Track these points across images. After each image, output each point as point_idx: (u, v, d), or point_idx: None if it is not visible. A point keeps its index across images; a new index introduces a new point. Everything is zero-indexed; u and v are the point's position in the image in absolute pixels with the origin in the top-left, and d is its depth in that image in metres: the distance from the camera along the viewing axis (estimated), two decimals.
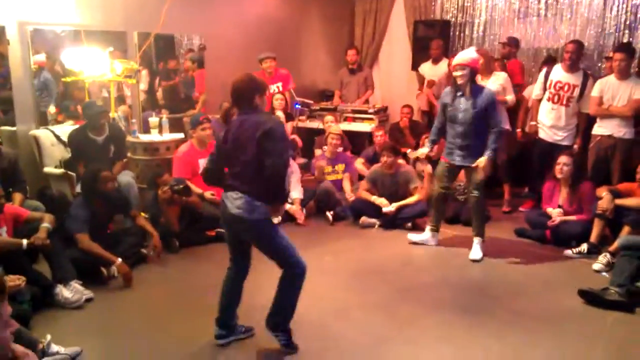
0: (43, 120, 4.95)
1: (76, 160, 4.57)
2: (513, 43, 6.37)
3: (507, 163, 5.51)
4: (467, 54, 4.19)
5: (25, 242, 3.36)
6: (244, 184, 2.74)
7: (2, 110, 4.74)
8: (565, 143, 5.10)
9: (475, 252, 4.31)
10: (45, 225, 3.51)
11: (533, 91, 5.40)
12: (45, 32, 4.91)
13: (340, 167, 5.60)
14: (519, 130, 5.61)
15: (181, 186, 4.41)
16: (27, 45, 4.73)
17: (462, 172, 4.47)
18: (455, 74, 4.15)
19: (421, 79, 6.93)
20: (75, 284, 3.50)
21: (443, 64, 6.47)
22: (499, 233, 4.85)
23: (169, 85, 6.21)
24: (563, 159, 4.57)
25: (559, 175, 4.58)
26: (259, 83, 2.86)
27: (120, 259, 3.79)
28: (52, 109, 5.08)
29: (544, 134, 5.24)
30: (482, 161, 4.10)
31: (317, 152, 6.09)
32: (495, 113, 4.19)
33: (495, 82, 5.25)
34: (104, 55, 5.00)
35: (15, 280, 3.10)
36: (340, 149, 5.73)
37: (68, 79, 5.01)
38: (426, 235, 4.62)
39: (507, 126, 5.47)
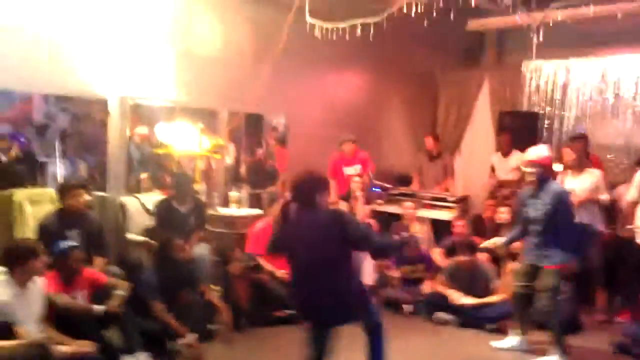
0: (132, 188, 5.18)
1: (159, 228, 4.69)
2: (580, 138, 6.06)
3: (602, 267, 5.07)
4: (538, 151, 4.09)
5: (97, 308, 3.40)
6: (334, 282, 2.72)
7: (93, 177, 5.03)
8: None
9: None
10: (120, 292, 3.56)
11: (628, 193, 5.02)
12: (143, 107, 5.25)
13: (420, 267, 5.36)
14: (607, 232, 5.22)
15: (252, 263, 4.38)
16: (126, 117, 5.04)
17: None
18: (524, 169, 4.05)
19: (492, 168, 6.81)
20: (141, 355, 3.47)
21: (513, 158, 6.44)
22: (593, 346, 4.36)
23: (253, 161, 6.40)
24: None
25: None
26: (319, 181, 2.88)
27: (194, 335, 3.74)
28: (143, 175, 5.34)
29: None
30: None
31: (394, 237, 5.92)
32: (566, 211, 4.00)
33: (588, 179, 4.97)
34: (195, 130, 5.23)
35: (84, 346, 3.11)
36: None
37: (160, 151, 5.26)
38: (512, 340, 4.22)
39: (601, 227, 5.10)
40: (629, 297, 5.02)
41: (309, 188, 2.82)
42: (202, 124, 5.40)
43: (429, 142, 7.02)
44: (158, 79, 5.24)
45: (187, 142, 5.19)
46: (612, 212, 5.29)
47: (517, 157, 6.56)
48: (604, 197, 5.02)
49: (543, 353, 4.09)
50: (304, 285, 2.76)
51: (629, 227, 4.95)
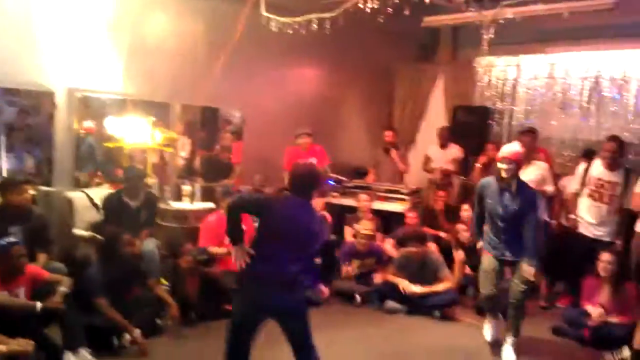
0: (81, 183, 5.09)
1: (107, 224, 4.61)
2: (529, 132, 6.27)
3: (545, 256, 5.23)
4: (513, 148, 4.12)
5: (39, 305, 3.33)
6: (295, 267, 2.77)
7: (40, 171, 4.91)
8: (606, 239, 4.83)
9: (509, 355, 4.00)
10: (62, 289, 3.50)
11: (571, 185, 5.20)
12: (92, 99, 5.15)
13: (369, 262, 5.38)
14: (554, 222, 5.40)
15: (204, 256, 4.37)
16: (74, 110, 4.95)
17: None
18: (500, 166, 4.01)
19: (427, 160, 7.04)
20: (84, 352, 3.42)
21: (451, 150, 6.78)
22: (534, 330, 4.52)
23: (208, 154, 6.35)
24: (606, 257, 4.34)
25: (602, 274, 4.33)
26: (320, 177, 3.01)
27: (137, 330, 3.71)
28: (88, 170, 5.25)
29: (585, 229, 4.99)
30: (530, 271, 3.91)
31: (347, 229, 5.99)
32: (537, 212, 4.07)
33: (535, 171, 5.12)
34: (146, 124, 5.16)
35: (23, 345, 3.05)
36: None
37: (110, 145, 5.17)
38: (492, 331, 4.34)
39: (546, 217, 5.27)
40: (571, 284, 5.23)
41: (311, 181, 2.90)
42: (154, 117, 5.34)
43: (389, 135, 7.12)
44: (107, 71, 5.15)
45: (138, 136, 5.13)
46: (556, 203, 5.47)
47: (455, 150, 6.78)
48: (549, 188, 5.18)
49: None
50: (268, 265, 2.75)
51: (571, 217, 5.13)
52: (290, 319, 2.83)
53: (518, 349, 4.03)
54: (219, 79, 5.67)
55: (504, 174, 3.98)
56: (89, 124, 5.16)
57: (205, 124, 6.32)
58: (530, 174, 5.17)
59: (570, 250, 5.20)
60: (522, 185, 4.05)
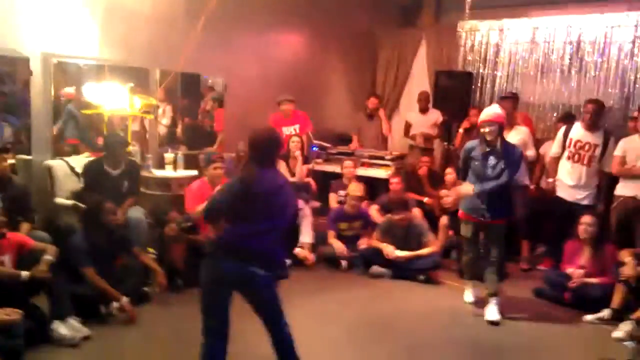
0: (61, 151, 4.98)
1: (88, 192, 4.54)
2: (510, 97, 6.31)
3: (526, 218, 5.34)
4: (492, 110, 4.15)
5: (24, 274, 3.30)
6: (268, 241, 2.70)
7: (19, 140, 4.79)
8: (585, 202, 4.92)
9: (492, 312, 4.11)
10: (48, 257, 3.46)
11: (551, 149, 5.27)
12: (69, 65, 5.00)
13: (357, 224, 5.43)
14: (532, 186, 5.50)
15: (189, 224, 4.35)
16: (50, 77, 4.80)
17: None
18: (483, 130, 4.05)
19: (407, 126, 7.15)
20: (73, 321, 3.42)
21: (432, 114, 6.94)
22: (516, 291, 4.65)
23: (190, 122, 6.26)
24: (586, 220, 4.42)
25: (582, 236, 4.42)
26: (278, 139, 2.81)
27: (125, 298, 3.70)
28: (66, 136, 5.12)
29: (564, 193, 5.07)
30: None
31: (332, 196, 6.00)
32: (522, 171, 4.15)
33: (516, 136, 5.17)
34: (125, 90, 5.04)
35: (10, 314, 3.03)
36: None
37: (88, 112, 5.05)
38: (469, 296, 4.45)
39: (527, 181, 5.36)
40: (552, 247, 5.34)
41: (270, 146, 2.73)
42: (132, 83, 5.21)
43: (373, 101, 7.11)
44: (83, 35, 4.99)
45: (117, 102, 5.01)
46: (533, 168, 5.55)
47: (436, 114, 6.83)
48: (530, 153, 5.25)
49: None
50: (247, 239, 2.64)
51: (550, 180, 5.21)
52: (258, 292, 2.73)
53: (501, 310, 4.14)
54: (198, 44, 5.52)
55: (488, 137, 4.03)
56: (69, 89, 5.01)
57: (187, 91, 6.21)
58: (512, 138, 5.19)
59: (550, 214, 5.30)
60: (507, 145, 4.11)
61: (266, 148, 2.72)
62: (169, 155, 5.40)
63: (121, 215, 4.30)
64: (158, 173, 5.22)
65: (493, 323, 4.04)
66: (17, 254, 3.52)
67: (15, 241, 3.56)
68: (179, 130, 6.15)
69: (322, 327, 3.80)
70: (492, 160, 4.05)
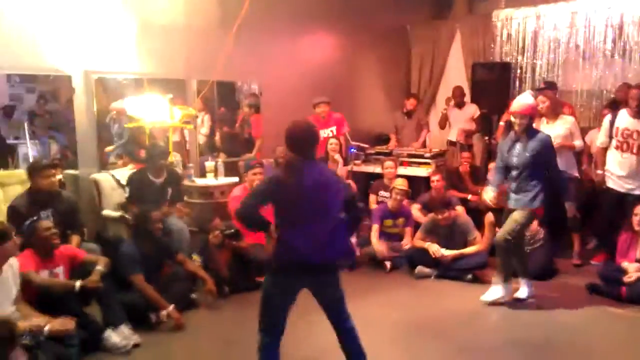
0: (105, 165, 5.12)
1: (133, 201, 4.64)
2: (548, 87, 6.12)
3: (577, 212, 5.15)
4: (524, 101, 4.09)
5: (78, 284, 3.40)
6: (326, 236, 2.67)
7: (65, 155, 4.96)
8: (637, 192, 4.71)
9: (523, 292, 4.18)
10: (99, 268, 3.56)
11: (598, 138, 5.07)
12: (109, 81, 5.14)
13: (401, 221, 5.37)
14: (584, 177, 5.34)
15: (232, 230, 4.39)
16: (92, 93, 4.94)
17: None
18: (513, 120, 4.07)
19: (444, 117, 7.06)
20: (124, 329, 3.49)
21: (468, 109, 6.80)
22: (569, 288, 4.49)
23: (228, 130, 6.34)
24: None
25: (636, 228, 4.24)
26: (315, 131, 2.76)
27: (172, 306, 3.77)
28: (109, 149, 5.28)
29: (614, 184, 4.87)
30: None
31: (372, 197, 5.95)
32: (551, 157, 4.09)
33: (562, 126, 5.02)
34: (164, 102, 5.15)
35: (65, 324, 3.12)
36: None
37: (131, 125, 5.18)
38: (499, 291, 4.24)
39: (576, 173, 5.17)
40: (603, 240, 5.15)
41: (308, 138, 2.67)
42: (171, 94, 5.31)
43: (411, 103, 7.08)
44: (120, 50, 5.12)
45: (157, 114, 5.11)
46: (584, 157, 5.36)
47: (472, 108, 6.69)
48: (578, 143, 5.07)
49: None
50: (301, 235, 2.60)
51: (599, 172, 5.02)
52: (325, 283, 2.76)
53: (548, 304, 4.06)
54: (233, 52, 5.60)
55: (516, 128, 4.05)
56: (118, 104, 5.16)
57: (223, 100, 6.30)
58: (558, 128, 5.07)
59: (601, 206, 5.11)
60: (532, 132, 4.07)
61: (305, 138, 2.67)
62: (209, 164, 5.47)
63: (166, 221, 4.37)
64: (200, 182, 5.30)
65: (520, 300, 4.17)
66: (69, 266, 3.64)
67: (67, 254, 3.67)
68: (217, 138, 6.24)
69: (367, 330, 3.75)
70: (518, 147, 4.06)
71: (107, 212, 4.74)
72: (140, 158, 5.24)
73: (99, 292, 3.51)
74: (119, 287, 3.74)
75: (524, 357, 3.46)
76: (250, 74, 6.24)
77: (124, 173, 4.96)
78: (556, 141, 5.00)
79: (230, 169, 5.71)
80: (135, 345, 3.48)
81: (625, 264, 4.31)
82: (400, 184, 5.41)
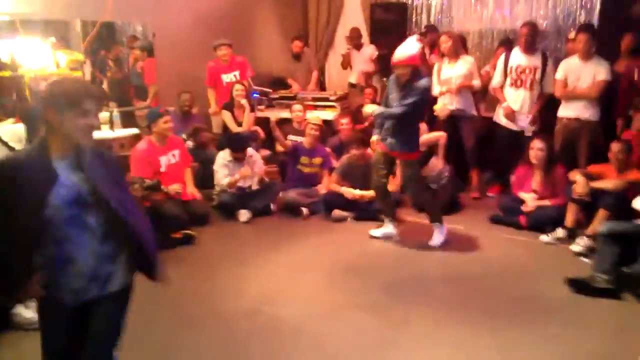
0: None
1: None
2: (431, 30, 6.38)
3: (475, 148, 5.46)
4: (407, 51, 3.93)
5: None
6: None
7: None
8: (529, 134, 5.04)
9: (437, 239, 4.29)
10: None
11: (494, 78, 5.31)
12: None
13: (317, 160, 5.31)
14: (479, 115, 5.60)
15: (153, 182, 4.10)
16: None
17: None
18: (396, 71, 3.97)
19: (347, 58, 7.02)
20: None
21: (366, 50, 6.84)
22: (473, 221, 4.80)
23: (117, 76, 5.78)
24: (537, 144, 4.53)
25: (534, 161, 4.55)
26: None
27: None
28: None
29: (508, 122, 5.20)
30: None
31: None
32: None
33: (463, 66, 5.23)
34: (46, 46, 4.52)
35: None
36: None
37: (5, 74, 4.50)
38: (387, 229, 4.46)
39: (474, 111, 5.44)
40: (498, 173, 5.54)
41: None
42: (53, 38, 4.68)
43: (296, 45, 6.95)
44: None
45: (38, 61, 4.50)
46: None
47: (370, 49, 6.74)
48: (477, 82, 5.31)
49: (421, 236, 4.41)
50: None
51: (505, 105, 5.16)
52: None
53: (458, 238, 4.29)
54: None
55: (401, 78, 3.95)
56: None
57: (103, 42, 5.65)
58: (459, 68, 5.26)
59: (496, 142, 5.45)
60: (415, 78, 3.92)
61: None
62: (102, 115, 4.97)
63: None
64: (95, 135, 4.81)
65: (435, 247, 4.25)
66: None
67: None
68: (104, 86, 5.67)
69: (300, 276, 3.76)
70: (399, 94, 3.99)
71: None
72: (14, 113, 4.60)
73: None
74: None
75: (443, 287, 3.65)
76: (140, 13, 5.67)
77: (4, 128, 4.34)
78: (457, 81, 5.25)
79: (128, 120, 5.25)
80: None
81: (522, 194, 4.67)
82: (314, 118, 5.37)
